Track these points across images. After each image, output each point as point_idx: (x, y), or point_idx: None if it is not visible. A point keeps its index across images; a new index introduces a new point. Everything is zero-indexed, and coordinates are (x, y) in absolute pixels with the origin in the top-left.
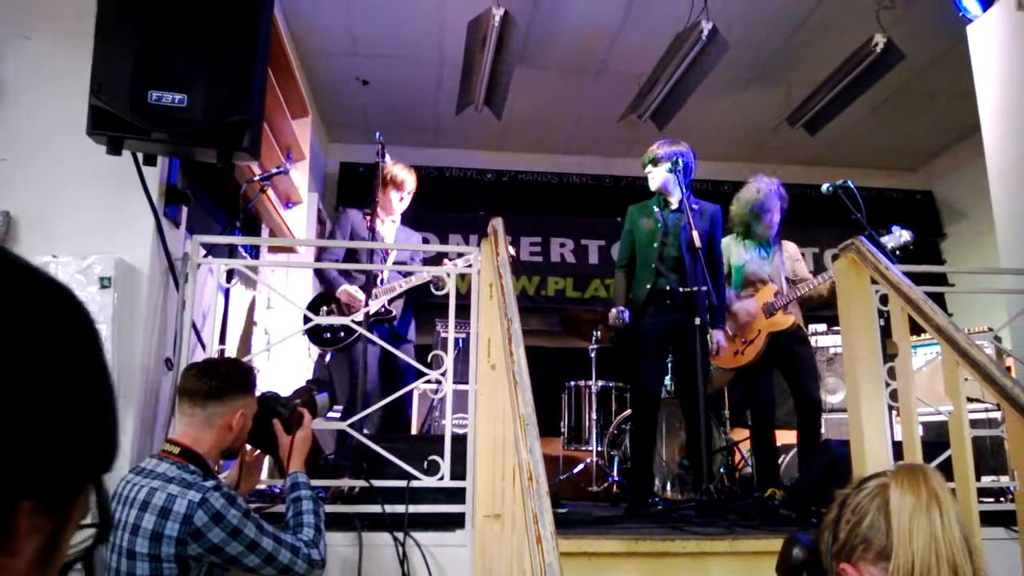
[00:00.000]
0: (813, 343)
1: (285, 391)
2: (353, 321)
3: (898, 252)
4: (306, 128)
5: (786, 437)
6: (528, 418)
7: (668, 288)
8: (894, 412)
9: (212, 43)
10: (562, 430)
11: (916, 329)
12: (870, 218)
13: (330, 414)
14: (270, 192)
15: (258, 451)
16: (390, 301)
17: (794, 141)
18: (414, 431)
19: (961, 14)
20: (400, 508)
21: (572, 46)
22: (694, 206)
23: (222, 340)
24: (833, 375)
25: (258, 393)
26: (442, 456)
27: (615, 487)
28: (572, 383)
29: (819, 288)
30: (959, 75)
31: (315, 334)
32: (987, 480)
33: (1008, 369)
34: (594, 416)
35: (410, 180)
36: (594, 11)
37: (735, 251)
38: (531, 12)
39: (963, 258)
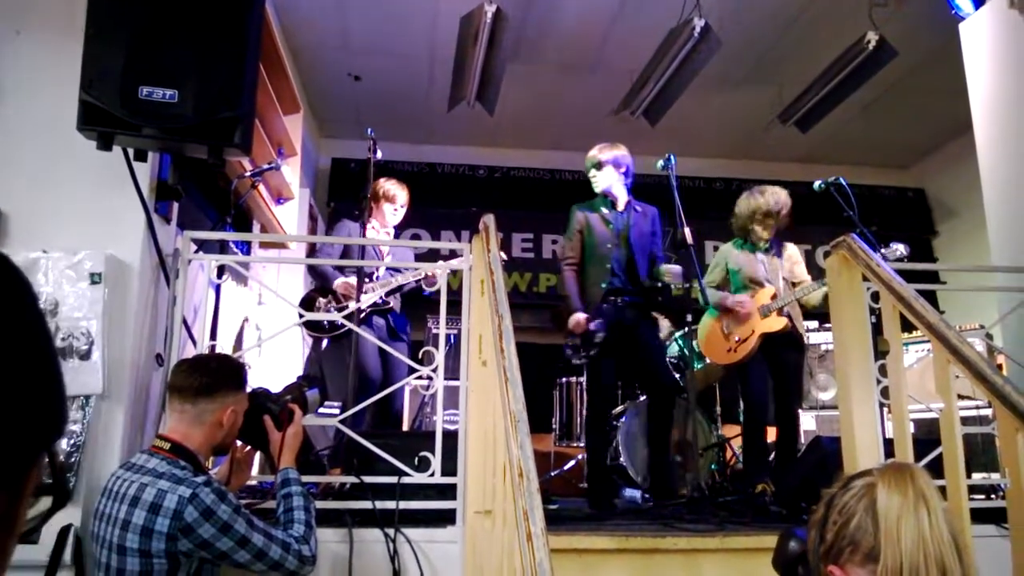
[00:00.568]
0: (805, 340)
1: (276, 387)
2: (346, 317)
3: None
4: (297, 124)
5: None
6: (519, 414)
7: (619, 287)
8: (885, 409)
9: (203, 38)
10: (553, 426)
11: (907, 326)
12: (862, 215)
13: (330, 409)
14: (261, 188)
15: (249, 447)
16: (387, 294)
17: (786, 138)
18: (405, 427)
19: (953, 12)
20: (391, 504)
21: (564, 42)
22: (637, 208)
23: (213, 336)
24: (824, 372)
25: (249, 389)
26: (433, 452)
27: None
28: (563, 379)
29: (808, 297)
30: (951, 73)
31: (312, 322)
32: (978, 477)
33: (999, 367)
34: (585, 413)
35: (402, 194)
36: (586, 7)
37: (733, 254)
38: (524, 7)
39: (955, 255)
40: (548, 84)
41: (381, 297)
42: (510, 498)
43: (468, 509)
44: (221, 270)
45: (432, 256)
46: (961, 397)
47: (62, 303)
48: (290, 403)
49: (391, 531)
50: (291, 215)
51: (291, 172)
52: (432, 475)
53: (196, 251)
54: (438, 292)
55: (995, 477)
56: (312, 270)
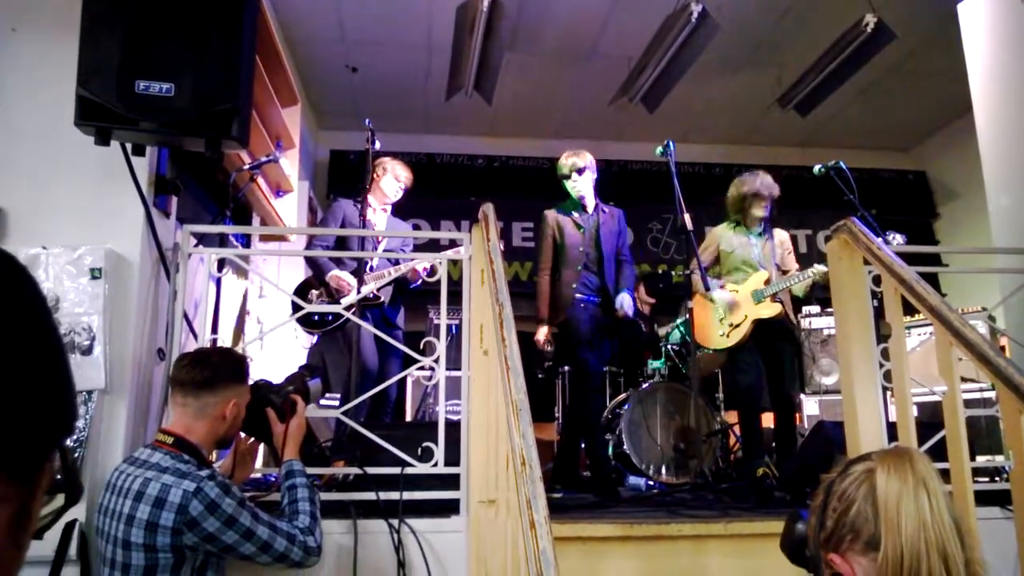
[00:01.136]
0: (806, 325)
1: (278, 379)
2: (345, 308)
3: None
4: (295, 116)
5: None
6: (521, 403)
7: (591, 286)
8: (888, 393)
9: (199, 32)
10: (556, 415)
11: (909, 309)
12: (863, 199)
13: (330, 401)
14: (260, 181)
15: (252, 440)
16: (379, 288)
17: (785, 123)
18: (408, 418)
19: None
20: (395, 495)
21: (562, 30)
22: (604, 210)
23: (214, 329)
24: (827, 356)
25: (251, 382)
26: (436, 443)
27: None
28: (566, 368)
29: (795, 287)
30: (950, 55)
31: (303, 317)
32: (982, 460)
33: (1002, 348)
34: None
35: (408, 176)
36: None
37: (726, 237)
38: None
39: (957, 237)
40: (546, 72)
41: (372, 291)
42: (513, 487)
43: (472, 498)
44: (221, 263)
45: (432, 246)
46: (964, 380)
47: (63, 299)
48: (292, 394)
49: (395, 522)
50: (290, 208)
51: (289, 165)
52: (435, 465)
53: (196, 245)
54: (437, 283)
55: (999, 459)
56: (309, 259)
